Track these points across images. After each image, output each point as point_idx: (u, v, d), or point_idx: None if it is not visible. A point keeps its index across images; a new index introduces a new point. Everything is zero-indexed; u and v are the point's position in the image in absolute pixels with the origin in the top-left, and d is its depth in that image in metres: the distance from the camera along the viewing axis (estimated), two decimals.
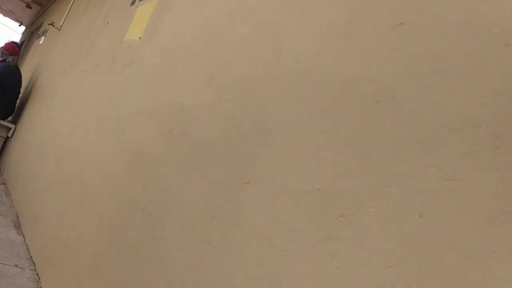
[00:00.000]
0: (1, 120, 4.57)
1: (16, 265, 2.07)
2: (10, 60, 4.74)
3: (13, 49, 4.81)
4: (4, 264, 2.04)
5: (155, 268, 1.21)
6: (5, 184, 3.74)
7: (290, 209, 0.84)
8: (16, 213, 2.92)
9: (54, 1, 7.04)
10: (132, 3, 2.56)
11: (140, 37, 2.16)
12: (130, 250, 1.42)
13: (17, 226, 2.68)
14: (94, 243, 1.69)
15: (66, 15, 4.77)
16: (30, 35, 8.63)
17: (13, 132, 4.58)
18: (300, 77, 0.97)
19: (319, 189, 0.80)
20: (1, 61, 4.74)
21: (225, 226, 0.99)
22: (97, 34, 3.02)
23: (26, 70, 5.58)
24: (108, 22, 2.90)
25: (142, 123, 1.69)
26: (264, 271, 0.83)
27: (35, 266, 2.14)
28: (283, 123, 0.95)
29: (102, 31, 2.95)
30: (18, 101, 4.83)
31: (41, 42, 6.08)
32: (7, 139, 4.70)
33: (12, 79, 4.68)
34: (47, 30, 6.00)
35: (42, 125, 3.43)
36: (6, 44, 4.85)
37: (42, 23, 7.17)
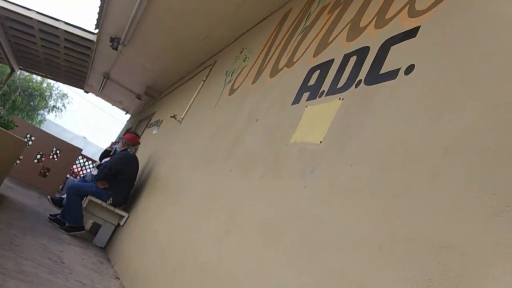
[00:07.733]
0: (116, 208, 4.52)
1: None
2: (133, 150, 4.84)
3: (135, 140, 4.95)
4: None
5: None
6: (119, 279, 3.48)
7: None
8: None
9: (166, 94, 7.45)
10: (295, 102, 2.36)
11: (321, 141, 1.89)
12: None
13: None
14: None
15: (188, 108, 4.85)
16: (138, 123, 9.16)
17: (125, 221, 4.47)
18: None
19: None
20: (123, 150, 4.84)
21: None
22: (242, 132, 2.85)
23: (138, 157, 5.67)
24: (257, 120, 2.73)
25: (370, 259, 1.30)
26: None
27: None
28: None
29: (249, 129, 2.78)
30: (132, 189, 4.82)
31: (154, 132, 6.29)
32: (117, 227, 4.60)
33: (131, 169, 4.72)
34: (161, 121, 6.22)
35: (168, 221, 3.21)
36: (128, 134, 5.02)
37: (154, 113, 7.55)
